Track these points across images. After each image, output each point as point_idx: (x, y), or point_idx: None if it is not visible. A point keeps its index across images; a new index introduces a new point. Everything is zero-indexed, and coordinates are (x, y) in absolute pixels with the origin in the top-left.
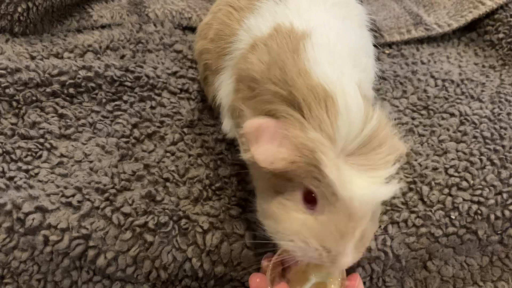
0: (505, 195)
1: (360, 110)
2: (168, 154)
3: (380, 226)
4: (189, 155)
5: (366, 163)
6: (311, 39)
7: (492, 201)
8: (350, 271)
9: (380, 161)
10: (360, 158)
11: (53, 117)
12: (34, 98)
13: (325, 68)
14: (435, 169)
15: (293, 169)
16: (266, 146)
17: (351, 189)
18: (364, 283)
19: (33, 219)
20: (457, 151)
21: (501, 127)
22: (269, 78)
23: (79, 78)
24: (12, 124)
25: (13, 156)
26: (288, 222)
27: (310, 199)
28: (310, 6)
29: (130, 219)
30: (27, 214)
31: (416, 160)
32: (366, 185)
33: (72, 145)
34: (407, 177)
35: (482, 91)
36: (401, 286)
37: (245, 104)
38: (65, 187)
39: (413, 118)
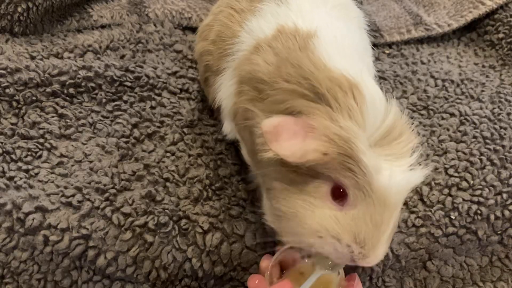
0: (505, 195)
1: (382, 100)
2: (168, 154)
3: None
4: (189, 155)
5: (390, 152)
6: (319, 37)
7: (492, 201)
8: (349, 271)
9: (402, 149)
10: (383, 148)
11: (53, 117)
12: (34, 98)
13: (341, 62)
14: (435, 169)
15: (325, 161)
16: (290, 142)
17: (389, 176)
18: (364, 283)
19: (33, 219)
20: (457, 151)
21: (501, 127)
22: (281, 77)
23: (79, 78)
24: (12, 124)
25: (13, 156)
26: (315, 219)
27: (338, 195)
28: (312, 8)
29: (130, 219)
30: (27, 214)
31: None
32: (401, 172)
33: (72, 145)
34: None
35: (482, 91)
36: (400, 286)
37: (255, 107)
38: (65, 187)
39: (413, 118)
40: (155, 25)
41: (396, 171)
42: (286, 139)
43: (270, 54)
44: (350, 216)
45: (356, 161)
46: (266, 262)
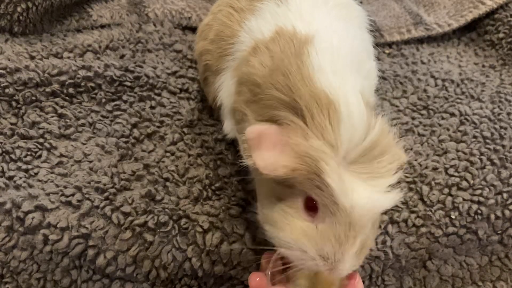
0: (505, 195)
1: (363, 118)
2: (168, 154)
3: (380, 226)
4: (189, 155)
5: (367, 171)
6: (315, 44)
7: (492, 201)
8: None
9: (382, 169)
10: (362, 166)
11: (52, 117)
12: (33, 98)
13: (328, 75)
14: (435, 169)
15: (294, 176)
16: (268, 153)
17: (352, 198)
18: (363, 282)
19: (32, 218)
20: (457, 151)
21: (501, 127)
22: (272, 84)
23: (78, 78)
24: (11, 124)
25: (12, 156)
26: (287, 229)
27: (311, 207)
28: (312, 8)
29: (130, 218)
30: (26, 213)
31: (416, 160)
32: (368, 194)
33: (72, 145)
34: (407, 177)
35: (482, 91)
36: (400, 285)
37: (248, 108)
38: (65, 187)
39: (413, 118)
40: (154, 25)
41: (364, 193)
42: (266, 149)
43: (266, 57)
44: (319, 229)
45: (322, 180)
46: (267, 260)
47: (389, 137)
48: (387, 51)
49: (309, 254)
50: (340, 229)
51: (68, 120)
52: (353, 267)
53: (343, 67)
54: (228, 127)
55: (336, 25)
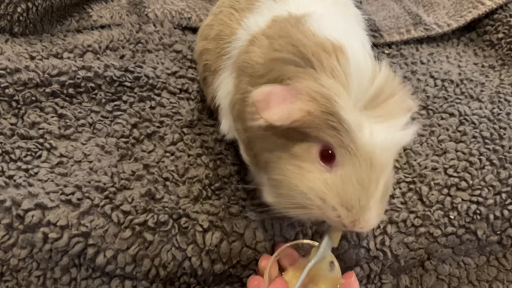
0: (504, 195)
1: (368, 61)
2: (167, 154)
3: (379, 227)
4: (189, 155)
5: (381, 113)
6: (312, 16)
7: (491, 201)
8: (347, 269)
9: (394, 109)
10: (374, 110)
11: (52, 117)
12: (33, 98)
13: (330, 31)
14: (434, 169)
15: (310, 120)
16: (279, 107)
17: (371, 134)
18: (361, 282)
19: (32, 216)
20: (457, 151)
21: (500, 127)
22: (272, 49)
23: (78, 78)
24: (11, 124)
25: (12, 156)
26: (304, 180)
27: (327, 156)
28: (309, 3)
29: (130, 217)
30: (26, 211)
31: (415, 160)
32: (386, 130)
33: (72, 145)
34: (406, 177)
35: (482, 91)
36: (396, 283)
37: (251, 86)
38: (65, 185)
39: (412, 118)
40: (154, 25)
41: (382, 129)
42: (276, 105)
43: (263, 40)
44: (338, 177)
45: (338, 118)
46: (264, 262)
47: (395, 81)
48: (386, 51)
49: (330, 204)
50: (362, 171)
51: (68, 120)
52: (378, 217)
53: (343, 29)
54: (226, 126)
55: (334, 16)
